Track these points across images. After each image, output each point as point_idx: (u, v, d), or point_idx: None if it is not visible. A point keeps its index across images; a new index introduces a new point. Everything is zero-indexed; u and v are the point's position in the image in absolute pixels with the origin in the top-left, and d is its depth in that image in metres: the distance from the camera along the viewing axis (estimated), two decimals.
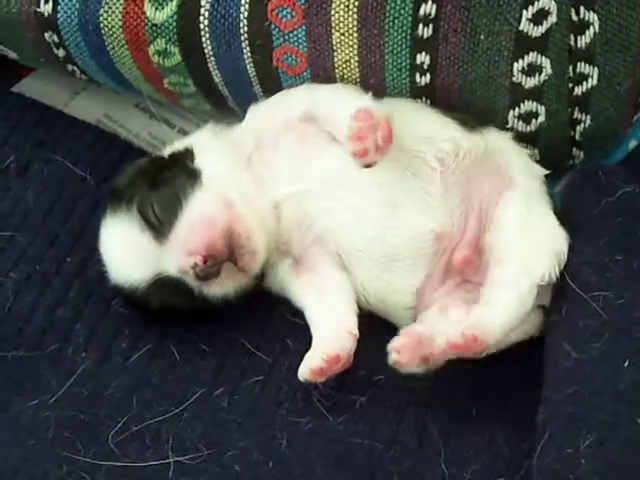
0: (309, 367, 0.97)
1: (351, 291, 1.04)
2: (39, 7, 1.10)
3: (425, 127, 1.04)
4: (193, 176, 1.02)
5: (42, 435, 0.96)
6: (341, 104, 1.02)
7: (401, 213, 1.01)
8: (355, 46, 1.04)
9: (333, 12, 1.03)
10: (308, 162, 1.04)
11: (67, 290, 1.07)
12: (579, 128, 1.08)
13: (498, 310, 0.96)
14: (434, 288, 1.04)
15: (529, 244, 1.00)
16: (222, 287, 0.99)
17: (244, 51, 1.07)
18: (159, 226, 0.99)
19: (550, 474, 0.86)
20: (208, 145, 1.07)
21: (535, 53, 1.01)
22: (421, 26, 1.01)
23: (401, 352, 0.95)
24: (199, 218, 0.98)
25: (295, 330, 1.04)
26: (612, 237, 0.97)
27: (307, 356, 0.98)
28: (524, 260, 0.99)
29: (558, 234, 1.01)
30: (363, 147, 0.94)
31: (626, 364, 0.88)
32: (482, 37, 1.01)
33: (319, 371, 0.96)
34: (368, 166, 0.95)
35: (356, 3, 1.02)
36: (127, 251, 1.00)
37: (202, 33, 1.07)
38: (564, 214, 1.03)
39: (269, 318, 1.07)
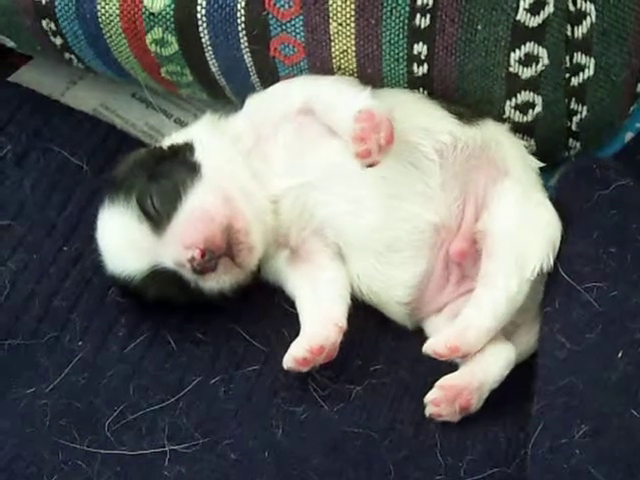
0: (293, 356, 0.98)
1: (345, 283, 1.04)
2: None
3: (423, 119, 1.04)
4: (193, 169, 1.02)
5: (38, 423, 0.97)
6: (341, 101, 1.01)
7: (401, 205, 1.02)
8: (352, 36, 1.04)
9: (331, 2, 1.03)
10: (307, 154, 1.04)
11: (64, 279, 1.08)
12: (575, 119, 1.08)
13: (484, 315, 0.97)
14: (439, 287, 1.04)
15: (523, 233, 1.00)
16: (218, 281, 0.99)
17: (241, 41, 1.07)
18: (157, 218, 0.99)
19: (544, 464, 0.86)
20: (208, 138, 1.07)
21: (532, 43, 1.01)
22: (418, 16, 1.01)
23: (440, 405, 0.96)
24: (198, 212, 0.98)
25: (291, 320, 1.04)
26: (606, 230, 0.98)
27: (292, 345, 0.99)
28: (517, 253, 0.99)
29: (554, 221, 1.01)
30: (366, 148, 0.94)
31: (619, 355, 0.88)
32: (479, 27, 1.01)
33: (302, 361, 0.97)
34: (370, 166, 0.96)
35: None
36: (124, 241, 1.00)
37: (199, 22, 1.07)
38: (558, 207, 1.03)
39: (266, 308, 1.07)
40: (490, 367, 0.98)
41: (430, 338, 0.99)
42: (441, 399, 0.96)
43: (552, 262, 0.99)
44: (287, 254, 1.06)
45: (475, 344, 0.97)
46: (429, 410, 0.97)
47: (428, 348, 0.98)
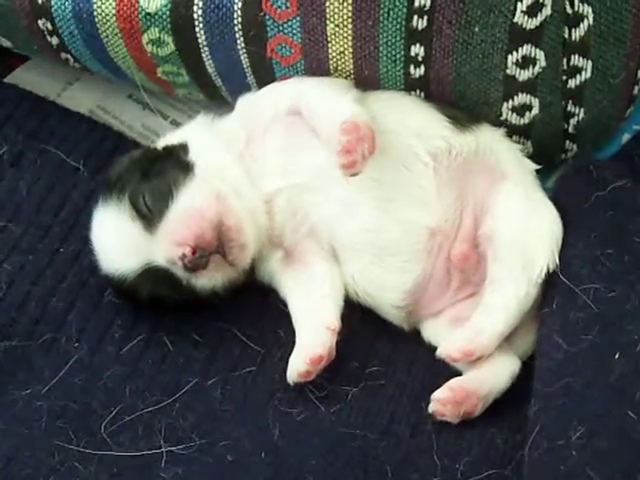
0: (296, 371, 0.98)
1: (338, 284, 1.05)
2: None
3: (418, 123, 1.05)
4: (186, 168, 1.02)
5: (35, 425, 0.97)
6: (326, 108, 1.01)
7: (394, 207, 1.02)
8: (349, 37, 1.04)
9: (328, 3, 1.03)
10: (297, 155, 1.04)
11: (60, 280, 1.08)
12: (573, 121, 1.09)
13: (496, 319, 0.98)
14: (438, 292, 1.04)
15: (528, 235, 1.00)
16: (210, 279, 0.99)
17: (238, 41, 1.07)
18: (149, 216, 0.99)
19: (541, 465, 0.87)
20: (201, 138, 1.07)
21: (529, 45, 1.01)
22: (416, 18, 1.01)
23: (446, 405, 0.97)
24: (189, 209, 0.99)
25: (287, 321, 1.04)
26: (603, 231, 0.98)
27: (292, 359, 0.99)
28: (523, 256, 0.99)
29: (556, 220, 1.02)
30: (352, 160, 0.94)
31: (616, 356, 0.88)
32: (476, 29, 1.01)
33: (306, 373, 0.98)
34: (353, 175, 0.96)
35: None
36: (117, 240, 1.01)
37: (196, 23, 1.07)
38: (555, 208, 1.03)
39: (262, 309, 1.07)
40: (498, 377, 0.99)
41: (443, 343, 1.00)
42: (449, 400, 0.97)
43: (557, 261, 0.99)
44: (281, 255, 1.07)
45: (488, 348, 0.98)
46: (433, 407, 0.97)
47: (442, 352, 0.99)
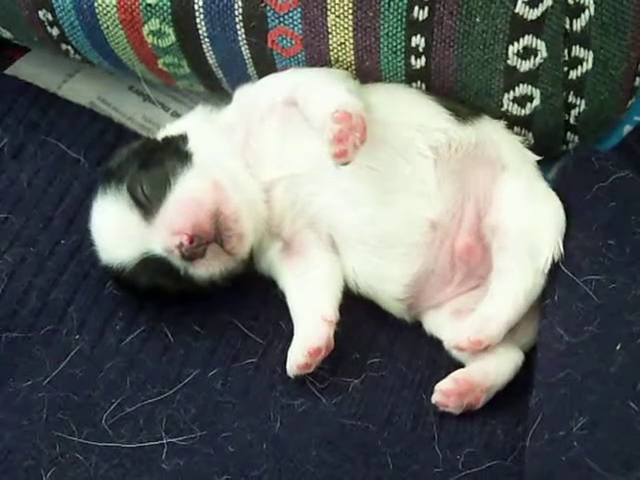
0: (295, 364, 0.99)
1: (337, 276, 1.05)
2: None
3: (418, 115, 1.05)
4: (184, 158, 1.02)
5: (36, 416, 0.97)
6: (318, 97, 1.01)
7: (395, 198, 1.02)
8: (350, 28, 1.04)
9: None
10: (295, 145, 1.04)
11: (61, 272, 1.08)
12: (574, 112, 1.08)
13: (503, 309, 0.98)
14: (441, 285, 1.04)
15: (533, 225, 1.00)
16: (207, 268, 0.99)
17: (239, 33, 1.07)
18: (147, 205, 0.99)
19: (542, 456, 0.87)
20: (200, 129, 1.07)
21: (530, 36, 1.01)
22: (416, 8, 1.01)
23: (450, 397, 0.97)
24: (187, 198, 0.99)
25: (289, 313, 1.04)
26: (604, 222, 0.98)
27: (290, 352, 1.00)
28: (529, 245, 0.99)
29: (560, 209, 1.02)
30: (343, 149, 0.94)
31: (618, 347, 0.88)
32: (478, 20, 1.00)
33: (305, 365, 0.98)
34: (344, 164, 0.95)
35: None
36: (115, 230, 1.01)
37: (197, 14, 1.07)
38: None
39: (263, 300, 1.07)
40: (501, 369, 0.99)
41: (451, 333, 1.00)
42: (453, 391, 0.97)
43: (562, 250, 0.99)
44: (280, 246, 1.06)
45: (496, 337, 0.97)
46: (436, 398, 0.98)
47: (450, 342, 0.99)
